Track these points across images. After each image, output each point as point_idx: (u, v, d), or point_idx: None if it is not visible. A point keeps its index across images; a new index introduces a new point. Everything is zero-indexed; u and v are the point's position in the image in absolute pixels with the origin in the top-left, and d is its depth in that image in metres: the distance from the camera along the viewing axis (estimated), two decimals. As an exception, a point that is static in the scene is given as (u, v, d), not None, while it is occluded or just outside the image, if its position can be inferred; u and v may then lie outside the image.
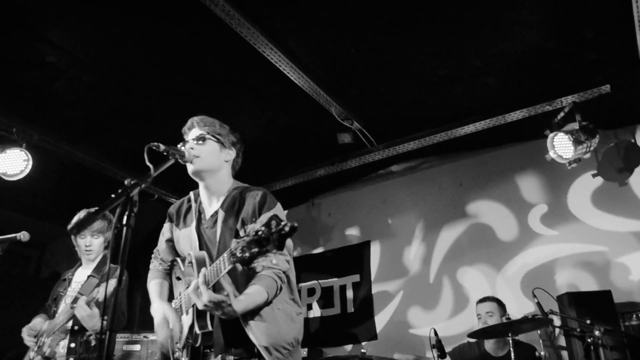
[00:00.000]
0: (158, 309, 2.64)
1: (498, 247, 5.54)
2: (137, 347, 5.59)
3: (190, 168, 2.65)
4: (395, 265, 6.09)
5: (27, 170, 4.80)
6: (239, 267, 2.46)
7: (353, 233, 6.56)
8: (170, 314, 2.57)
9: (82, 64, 4.34)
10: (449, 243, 5.86)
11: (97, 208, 3.90)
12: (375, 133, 5.59)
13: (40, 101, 4.74)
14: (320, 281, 6.52)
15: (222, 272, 2.11)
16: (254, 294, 2.31)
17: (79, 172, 5.56)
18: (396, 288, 6.00)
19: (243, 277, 2.47)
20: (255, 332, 2.36)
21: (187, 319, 2.46)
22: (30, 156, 4.81)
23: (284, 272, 2.47)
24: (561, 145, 4.63)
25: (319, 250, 6.72)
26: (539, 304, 3.92)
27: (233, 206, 2.61)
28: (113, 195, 1.79)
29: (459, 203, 5.92)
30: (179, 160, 2.58)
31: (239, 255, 1.96)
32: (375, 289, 6.13)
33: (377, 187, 6.52)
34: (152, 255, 2.97)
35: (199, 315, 2.37)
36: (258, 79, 4.68)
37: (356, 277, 6.31)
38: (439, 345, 3.79)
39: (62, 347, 3.61)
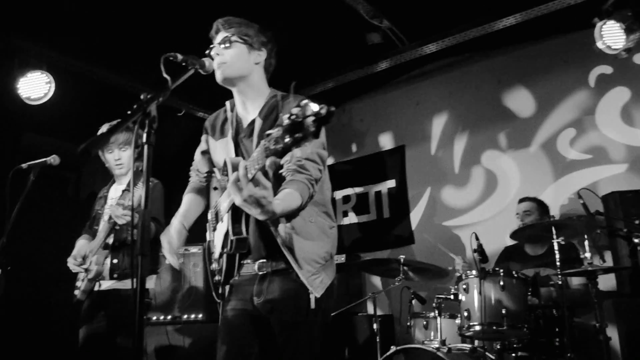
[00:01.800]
0: (175, 224, 2.61)
1: (542, 143, 5.32)
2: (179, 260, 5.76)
3: (218, 76, 2.48)
4: (432, 169, 5.96)
5: (51, 93, 4.72)
6: (270, 171, 2.35)
7: (387, 138, 6.39)
8: (175, 238, 2.53)
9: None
10: (488, 143, 5.65)
11: (119, 120, 3.88)
12: (406, 31, 5.27)
13: (55, 20, 4.55)
14: (355, 188, 6.46)
15: (258, 164, 1.94)
16: (289, 197, 2.18)
17: (104, 91, 5.47)
18: (434, 192, 5.90)
19: (274, 183, 2.35)
20: (287, 244, 2.28)
21: (222, 226, 2.39)
22: (52, 78, 4.71)
23: (316, 180, 2.32)
24: (611, 34, 4.27)
25: (353, 157, 6.60)
26: (584, 205, 3.77)
27: (271, 114, 2.45)
28: (129, 112, 1.66)
29: (497, 101, 5.65)
30: (200, 71, 2.40)
31: (272, 147, 1.79)
32: (411, 193, 6.04)
33: (410, 88, 6.25)
34: (190, 169, 2.89)
35: (235, 219, 2.27)
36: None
37: (392, 183, 6.22)
38: (480, 249, 3.72)
39: (107, 263, 3.65)
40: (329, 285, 2.36)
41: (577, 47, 5.14)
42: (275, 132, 1.78)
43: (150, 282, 3.91)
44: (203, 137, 2.76)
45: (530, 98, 5.48)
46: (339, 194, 6.55)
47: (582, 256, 3.69)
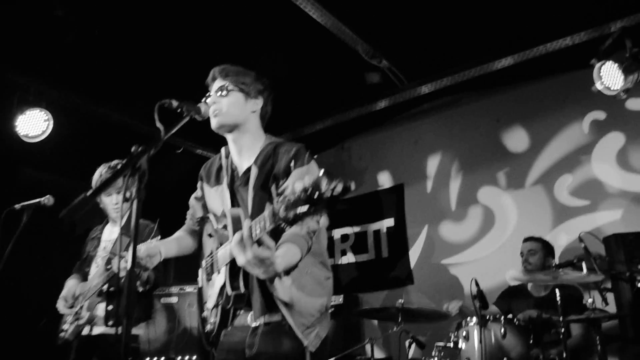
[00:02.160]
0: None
1: (540, 184, 5.28)
2: (174, 300, 5.66)
3: (213, 123, 2.45)
4: (431, 207, 5.91)
5: (49, 131, 4.71)
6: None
7: (385, 176, 6.36)
8: (151, 252, 2.49)
9: (90, 15, 4.13)
10: (486, 182, 5.61)
11: (117, 161, 3.86)
12: (404, 71, 5.28)
13: (54, 58, 4.57)
14: (353, 226, 6.40)
15: (265, 230, 1.89)
16: (289, 253, 2.12)
17: (102, 128, 5.46)
18: (432, 231, 5.84)
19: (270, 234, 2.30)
20: (282, 298, 2.22)
21: (218, 278, 2.33)
22: (50, 116, 4.70)
23: (314, 232, 2.25)
24: (609, 75, 4.27)
25: (351, 195, 6.52)
26: (586, 249, 3.70)
27: (266, 162, 2.41)
28: (119, 165, 1.62)
29: (496, 140, 5.63)
30: (195, 117, 2.38)
31: (281, 215, 1.73)
32: (410, 233, 5.98)
33: (409, 127, 6.25)
34: (187, 214, 2.85)
35: (232, 274, 2.21)
36: (279, 21, 4.41)
37: (390, 222, 6.16)
38: (480, 295, 3.64)
39: (101, 310, 3.58)
40: (324, 341, 2.28)
41: (575, 87, 5.15)
42: (285, 199, 1.73)
43: (140, 329, 3.83)
44: (199, 184, 2.73)
45: (528, 138, 5.47)
46: (338, 233, 6.48)
47: (584, 302, 3.61)
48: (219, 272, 2.33)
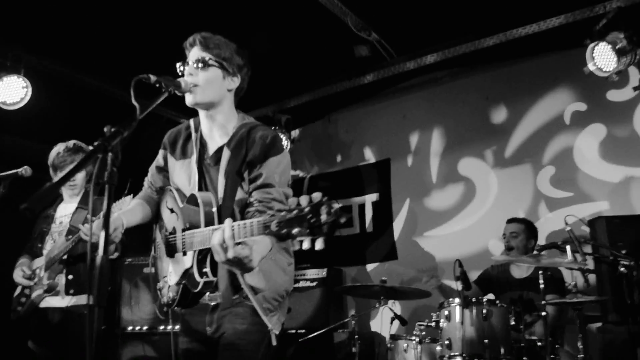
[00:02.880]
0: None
1: (529, 162, 5.26)
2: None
3: (188, 99, 2.34)
4: (417, 184, 5.87)
5: (27, 98, 4.57)
6: (237, 211, 2.29)
7: (372, 150, 6.30)
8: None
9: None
10: (473, 160, 5.57)
11: (74, 142, 3.79)
12: (394, 44, 5.17)
13: (33, 24, 4.42)
14: (338, 200, 6.32)
15: (250, 236, 1.86)
16: (262, 246, 2.09)
17: (82, 95, 5.32)
18: (418, 207, 5.81)
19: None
20: (249, 283, 2.22)
21: (185, 260, 2.26)
22: (29, 83, 4.55)
23: None
24: (602, 57, 4.20)
25: (337, 168, 6.49)
26: (571, 232, 3.69)
27: (240, 146, 2.34)
28: (91, 147, 1.54)
29: (484, 117, 5.58)
30: (176, 92, 2.28)
31: (274, 230, 1.69)
32: (395, 208, 5.96)
33: (397, 101, 6.16)
34: (144, 181, 2.73)
35: (201, 260, 2.18)
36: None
37: (375, 196, 6.12)
38: (463, 277, 3.63)
39: (62, 280, 3.60)
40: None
41: (568, 67, 5.07)
42: (279, 215, 1.68)
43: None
44: (161, 153, 2.62)
45: (517, 117, 5.42)
46: (323, 206, 6.43)
47: (566, 284, 3.62)
48: (184, 254, 2.26)
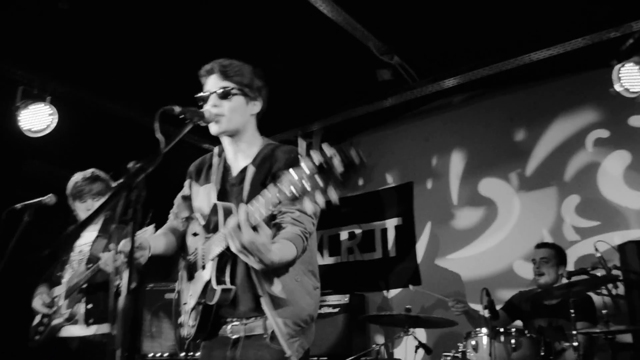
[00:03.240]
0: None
1: (555, 185, 5.15)
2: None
3: (213, 129, 2.33)
4: (440, 207, 5.79)
5: (53, 125, 4.64)
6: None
7: (395, 174, 6.25)
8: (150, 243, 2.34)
9: (94, 8, 4.03)
10: (497, 182, 5.48)
11: (92, 170, 3.83)
12: (416, 67, 5.15)
13: (59, 52, 4.49)
14: (360, 224, 6.30)
15: (267, 209, 1.79)
16: (286, 247, 2.05)
17: (107, 121, 5.38)
18: (441, 231, 5.73)
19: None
20: (270, 304, 2.13)
21: (204, 274, 2.20)
22: (55, 110, 4.63)
23: (310, 234, 2.18)
24: (629, 77, 4.14)
25: (359, 192, 6.44)
26: (601, 258, 3.59)
27: (265, 162, 2.32)
28: (114, 185, 1.53)
29: (508, 140, 5.50)
30: (199, 123, 2.28)
31: (287, 192, 1.63)
32: (417, 232, 5.87)
33: (419, 124, 6.12)
34: (170, 213, 2.71)
35: (219, 268, 2.13)
36: (289, 16, 4.29)
37: (398, 220, 6.05)
38: (490, 306, 3.54)
39: (81, 308, 3.58)
40: (307, 352, 2.21)
41: (592, 86, 4.99)
42: (290, 176, 1.63)
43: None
44: (186, 182, 2.61)
45: (543, 138, 5.32)
46: (345, 230, 6.39)
47: (598, 314, 3.51)
48: (204, 268, 2.22)
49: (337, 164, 1.54)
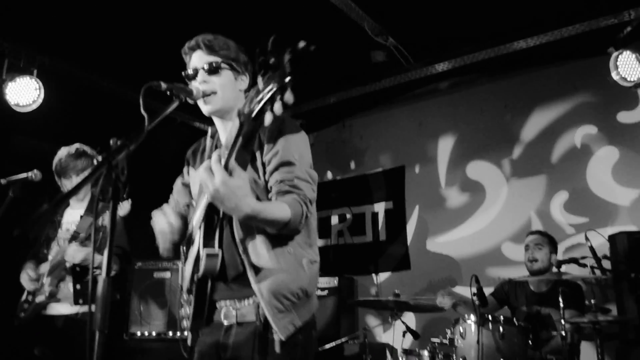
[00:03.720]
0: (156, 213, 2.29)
1: (548, 172, 5.12)
2: (167, 275, 5.55)
3: (206, 108, 2.22)
4: (432, 192, 5.76)
5: (40, 100, 4.55)
6: (257, 182, 2.10)
7: (387, 157, 6.20)
8: (172, 219, 2.22)
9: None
10: (490, 169, 5.45)
11: (76, 146, 3.76)
12: (411, 50, 5.07)
13: (45, 24, 4.38)
14: (351, 207, 6.26)
15: (235, 146, 1.74)
16: (275, 205, 1.95)
17: (94, 95, 5.28)
18: (432, 217, 5.70)
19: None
20: (254, 272, 2.01)
21: (193, 249, 2.12)
22: (41, 84, 4.53)
23: (310, 201, 2.06)
24: (626, 66, 4.09)
25: (351, 174, 6.40)
26: (592, 249, 3.57)
27: None
28: (95, 162, 1.46)
29: (502, 126, 5.46)
30: (187, 100, 2.19)
31: (246, 111, 1.59)
32: (409, 216, 5.85)
33: (413, 108, 6.06)
34: (169, 198, 2.64)
35: (206, 233, 2.01)
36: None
37: (389, 204, 6.02)
38: (480, 293, 3.51)
39: (67, 288, 3.56)
40: (307, 330, 2.07)
41: (588, 74, 4.95)
42: (251, 91, 1.58)
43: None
44: (184, 169, 2.53)
45: (536, 125, 5.29)
46: (335, 213, 6.35)
47: (587, 303, 3.50)
48: (194, 243, 2.13)
49: (285, 60, 1.49)
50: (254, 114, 1.57)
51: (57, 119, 5.12)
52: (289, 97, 1.51)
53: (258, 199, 2.05)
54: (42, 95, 4.55)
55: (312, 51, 1.47)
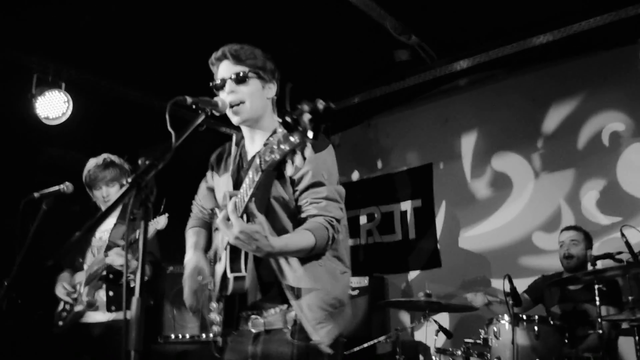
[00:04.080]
0: (190, 259, 2.39)
1: (579, 166, 5.02)
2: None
3: (235, 119, 2.24)
4: (460, 189, 5.70)
5: (69, 113, 4.64)
6: (280, 210, 2.13)
7: (413, 155, 6.15)
8: (203, 264, 2.32)
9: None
10: (519, 164, 5.37)
11: (104, 156, 3.81)
12: (435, 46, 5.01)
13: (72, 38, 4.46)
14: (379, 206, 6.24)
15: (251, 188, 1.78)
16: (297, 235, 1.99)
17: (123, 107, 5.36)
18: (461, 212, 5.64)
19: (285, 222, 2.14)
20: (291, 290, 2.06)
21: (220, 267, 2.17)
22: (70, 97, 4.62)
23: (338, 220, 2.10)
24: (657, 55, 3.97)
25: (378, 173, 6.37)
26: (627, 244, 3.49)
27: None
28: (125, 184, 1.49)
29: (530, 120, 5.36)
30: (213, 112, 2.21)
31: (267, 159, 1.63)
32: (438, 214, 5.80)
33: (439, 104, 5.99)
34: (193, 202, 2.68)
35: (232, 257, 2.05)
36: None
37: (418, 202, 5.98)
38: (513, 293, 3.46)
39: (101, 296, 3.60)
40: (336, 341, 2.10)
41: (617, 65, 4.83)
42: (270, 142, 1.63)
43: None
44: (208, 173, 2.56)
45: (565, 119, 5.18)
46: (364, 212, 6.33)
47: (624, 300, 3.42)
48: (220, 260, 2.18)
49: (306, 120, 1.52)
50: (274, 165, 1.64)
51: (86, 130, 5.22)
52: (309, 152, 1.58)
53: (288, 218, 2.11)
54: (70, 108, 4.64)
55: (332, 109, 1.52)
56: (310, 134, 1.51)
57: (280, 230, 2.09)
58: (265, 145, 1.68)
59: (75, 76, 4.81)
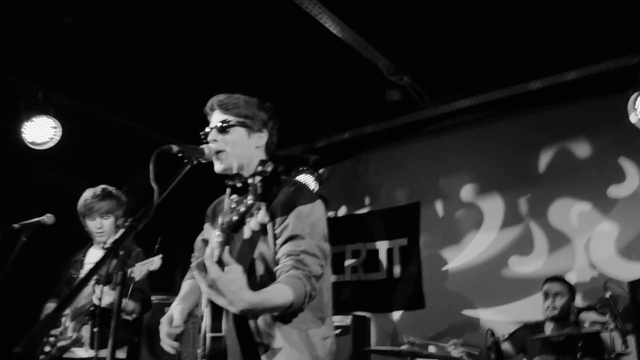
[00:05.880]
0: (171, 308, 2.33)
1: (569, 215, 5.02)
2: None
3: (217, 167, 2.24)
4: (447, 230, 5.68)
5: (57, 138, 4.58)
6: (261, 267, 2.10)
7: (401, 193, 6.13)
8: (177, 315, 2.25)
9: (101, 24, 3.98)
10: (507, 208, 5.37)
11: (102, 187, 3.76)
12: (427, 87, 5.05)
13: (63, 65, 4.44)
14: (365, 243, 6.20)
15: (222, 247, 1.77)
16: (275, 290, 1.90)
17: (112, 133, 5.33)
18: (447, 255, 5.61)
19: (265, 278, 2.09)
20: (273, 352, 2.01)
21: (204, 324, 2.08)
22: (58, 123, 4.57)
23: (316, 277, 2.03)
24: (645, 108, 4.01)
25: (365, 210, 6.34)
26: (612, 298, 3.48)
27: None
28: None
29: (519, 164, 5.38)
30: (200, 160, 2.19)
31: (226, 221, 1.72)
32: (424, 254, 5.76)
33: (428, 144, 6.00)
34: (191, 257, 2.62)
35: (214, 315, 1.97)
36: (298, 35, 4.22)
37: (404, 241, 5.94)
38: (495, 347, 3.43)
39: (86, 331, 3.49)
40: None
41: (606, 113, 4.87)
42: (230, 202, 1.71)
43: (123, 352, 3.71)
44: (205, 225, 2.52)
45: (554, 164, 5.21)
46: (349, 249, 6.29)
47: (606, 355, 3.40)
48: (203, 318, 2.11)
49: (256, 182, 1.65)
50: (231, 227, 1.71)
51: (75, 154, 5.17)
52: (262, 216, 1.62)
53: (269, 272, 2.05)
54: (59, 134, 4.59)
55: (279, 171, 1.63)
56: (260, 198, 1.60)
57: (259, 287, 2.04)
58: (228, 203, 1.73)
59: (65, 102, 4.78)
